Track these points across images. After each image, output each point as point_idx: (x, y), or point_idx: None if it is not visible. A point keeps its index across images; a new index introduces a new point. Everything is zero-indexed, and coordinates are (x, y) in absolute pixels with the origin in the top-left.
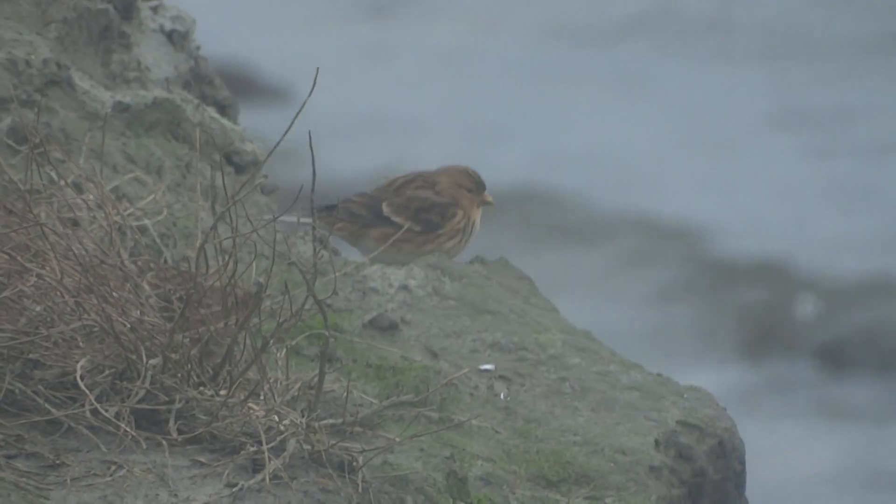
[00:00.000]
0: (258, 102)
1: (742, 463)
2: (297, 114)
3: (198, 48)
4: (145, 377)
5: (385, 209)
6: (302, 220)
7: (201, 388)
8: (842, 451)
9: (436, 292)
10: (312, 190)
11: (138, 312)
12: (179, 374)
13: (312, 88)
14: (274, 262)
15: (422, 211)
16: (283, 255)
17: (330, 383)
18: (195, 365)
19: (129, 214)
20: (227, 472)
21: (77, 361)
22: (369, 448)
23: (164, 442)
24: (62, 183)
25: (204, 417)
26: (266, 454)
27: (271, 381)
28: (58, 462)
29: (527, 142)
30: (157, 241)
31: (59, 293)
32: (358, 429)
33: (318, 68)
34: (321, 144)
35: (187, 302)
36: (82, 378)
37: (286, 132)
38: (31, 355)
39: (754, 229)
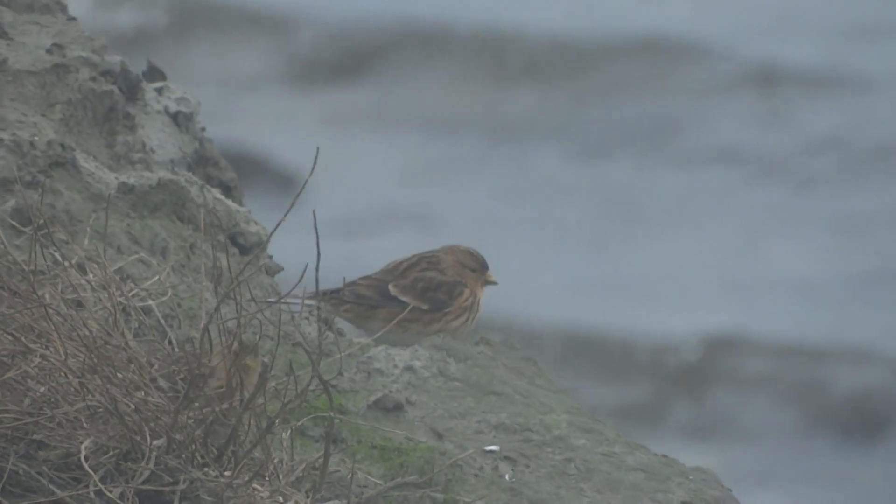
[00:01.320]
0: (263, 185)
1: None
2: (298, 194)
3: (202, 129)
4: (149, 458)
5: (392, 290)
6: (307, 301)
7: (206, 469)
8: None
9: (441, 373)
10: (317, 270)
11: (142, 393)
12: (184, 455)
13: (312, 170)
14: (279, 342)
15: (429, 290)
16: (287, 336)
17: (335, 464)
18: (199, 445)
19: (133, 295)
20: None
21: (81, 442)
22: None
23: None
24: (66, 264)
25: (209, 498)
26: None
27: (276, 461)
28: None
29: None
30: (162, 321)
31: (63, 374)
32: None
33: (318, 147)
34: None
35: (191, 382)
36: (86, 459)
37: (287, 212)
38: (35, 436)
39: None
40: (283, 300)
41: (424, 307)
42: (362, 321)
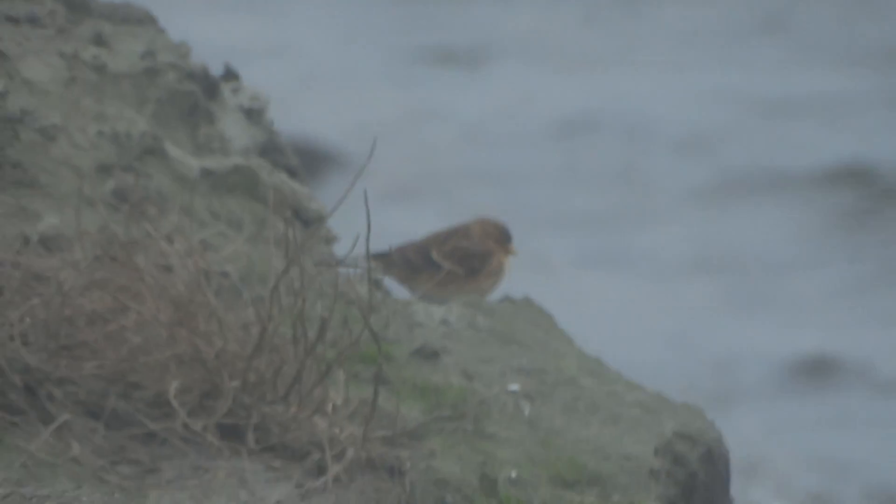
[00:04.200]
0: (322, 169)
1: (727, 467)
2: (355, 179)
3: (271, 123)
4: (228, 396)
5: (434, 256)
6: (359, 265)
7: (275, 406)
8: None
9: (471, 326)
10: (368, 240)
11: (222, 342)
12: (256, 394)
13: (370, 156)
14: (335, 300)
15: (464, 258)
16: (343, 295)
17: (382, 401)
18: (270, 386)
19: (213, 261)
20: (296, 475)
21: (170, 384)
22: (416, 455)
23: (244, 450)
24: (157, 236)
25: (277, 430)
26: (329, 460)
27: (333, 399)
28: (154, 468)
29: None
30: (238, 283)
31: (155, 327)
32: (406, 439)
33: (375, 138)
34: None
35: (262, 333)
36: (174, 397)
37: (346, 193)
38: (131, 378)
39: None
40: (338, 264)
41: (460, 272)
42: (408, 281)
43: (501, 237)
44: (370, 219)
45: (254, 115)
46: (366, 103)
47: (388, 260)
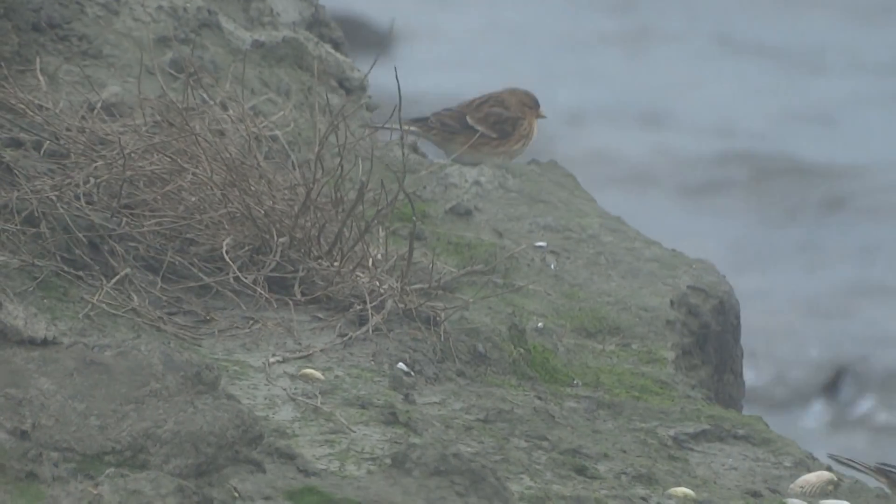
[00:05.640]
0: (363, 41)
1: (738, 318)
2: (384, 48)
3: None
4: (276, 252)
5: (469, 120)
6: (396, 129)
7: (319, 261)
8: None
9: (501, 186)
10: (399, 108)
11: (271, 202)
12: (302, 250)
13: (391, 30)
14: (373, 164)
15: (498, 123)
16: (380, 159)
17: (419, 256)
18: (315, 242)
19: (263, 127)
20: (339, 325)
21: (223, 240)
22: (449, 306)
23: (291, 302)
24: (211, 102)
25: (321, 283)
26: (369, 311)
27: (373, 255)
28: (208, 318)
29: None
30: (286, 147)
31: (209, 187)
32: (440, 292)
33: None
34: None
35: (308, 193)
36: (227, 253)
37: (373, 64)
38: (187, 235)
39: None
40: (377, 130)
41: (493, 135)
42: (444, 144)
43: (533, 104)
44: (400, 90)
45: None
46: None
47: (426, 124)
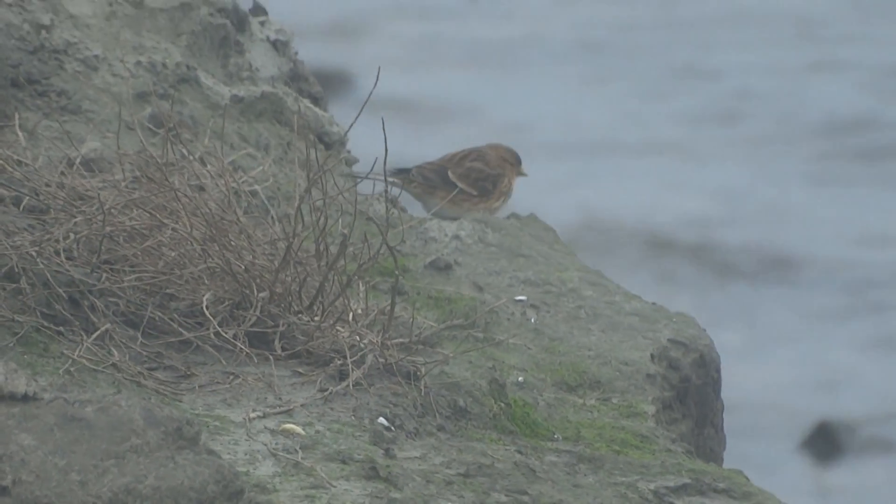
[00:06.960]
0: (341, 95)
1: (718, 372)
2: (364, 103)
3: (296, 53)
4: (256, 307)
5: (451, 176)
6: (378, 184)
7: (300, 315)
8: None
9: (481, 240)
10: (385, 162)
11: (251, 257)
12: (283, 305)
13: (375, 83)
14: (355, 217)
15: (479, 180)
16: (362, 213)
17: (399, 311)
18: (295, 297)
19: (243, 182)
20: (319, 380)
21: (203, 295)
22: (430, 361)
23: (271, 357)
24: (191, 158)
25: (302, 338)
26: (350, 366)
27: (354, 309)
28: (188, 373)
29: None
30: (265, 202)
31: (189, 242)
32: (421, 346)
33: (379, 67)
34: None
35: (288, 248)
36: (207, 308)
37: (357, 116)
38: (167, 290)
39: None
40: (358, 184)
41: (474, 193)
42: (425, 197)
43: (514, 161)
44: (387, 143)
45: (280, 46)
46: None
47: (407, 176)
